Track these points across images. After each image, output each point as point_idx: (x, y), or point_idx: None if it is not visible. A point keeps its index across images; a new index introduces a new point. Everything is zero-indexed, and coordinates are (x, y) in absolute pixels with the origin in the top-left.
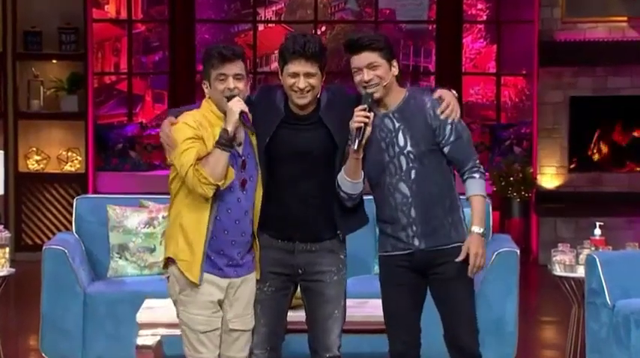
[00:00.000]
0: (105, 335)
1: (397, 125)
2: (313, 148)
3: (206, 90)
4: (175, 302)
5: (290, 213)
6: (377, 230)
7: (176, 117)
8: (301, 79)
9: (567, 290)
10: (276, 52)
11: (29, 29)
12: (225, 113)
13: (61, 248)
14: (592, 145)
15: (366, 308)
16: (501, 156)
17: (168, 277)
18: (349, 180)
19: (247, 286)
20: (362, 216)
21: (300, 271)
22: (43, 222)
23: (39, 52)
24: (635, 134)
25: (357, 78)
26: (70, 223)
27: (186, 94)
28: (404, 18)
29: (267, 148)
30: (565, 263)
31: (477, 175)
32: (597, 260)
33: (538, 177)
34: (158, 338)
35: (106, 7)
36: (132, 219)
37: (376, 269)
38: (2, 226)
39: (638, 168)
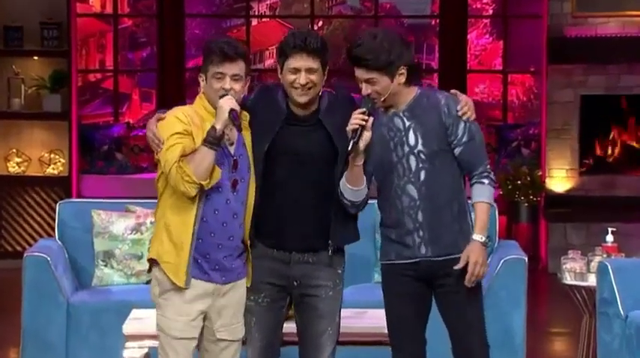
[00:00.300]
0: (89, 348)
1: (407, 124)
2: (313, 151)
3: (201, 84)
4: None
5: (282, 214)
6: (377, 237)
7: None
8: (302, 75)
9: (578, 299)
10: (271, 48)
11: (9, 24)
12: None
13: (43, 255)
14: (604, 147)
15: (365, 318)
16: (508, 158)
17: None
18: (350, 187)
19: (236, 293)
20: (355, 232)
21: (295, 283)
22: (24, 228)
23: (20, 49)
24: None
25: (359, 85)
26: (53, 229)
27: (175, 93)
28: (405, 12)
29: (267, 149)
30: (575, 271)
31: (485, 181)
32: (609, 268)
33: (547, 180)
34: (146, 350)
35: (90, 0)
36: (118, 225)
37: (376, 277)
38: None
39: None
